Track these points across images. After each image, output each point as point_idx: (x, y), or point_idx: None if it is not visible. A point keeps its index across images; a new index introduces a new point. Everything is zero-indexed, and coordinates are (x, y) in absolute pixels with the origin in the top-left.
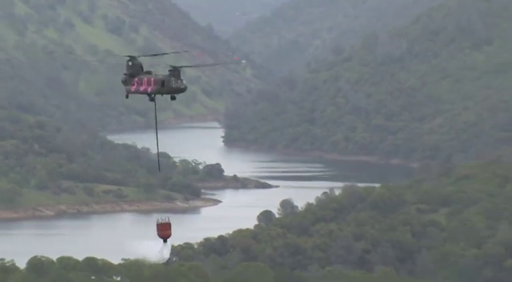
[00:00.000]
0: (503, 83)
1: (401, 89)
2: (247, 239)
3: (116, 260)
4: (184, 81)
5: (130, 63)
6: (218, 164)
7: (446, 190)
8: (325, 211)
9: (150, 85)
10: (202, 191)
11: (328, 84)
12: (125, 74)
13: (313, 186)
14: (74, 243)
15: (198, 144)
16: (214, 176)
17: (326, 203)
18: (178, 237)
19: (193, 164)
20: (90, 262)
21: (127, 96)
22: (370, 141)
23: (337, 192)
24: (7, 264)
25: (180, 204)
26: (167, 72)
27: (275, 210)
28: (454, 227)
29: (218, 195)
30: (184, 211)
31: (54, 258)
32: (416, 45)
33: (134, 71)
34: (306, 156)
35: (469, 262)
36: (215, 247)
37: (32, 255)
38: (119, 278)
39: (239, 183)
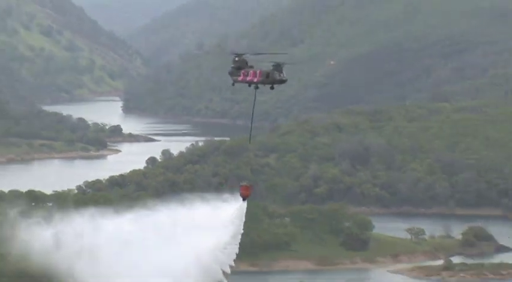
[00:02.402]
0: (312, 68)
1: None
2: (139, 176)
3: (48, 192)
4: (285, 74)
5: (236, 58)
6: (119, 125)
7: (274, 141)
8: (192, 156)
9: (256, 76)
10: (108, 143)
11: (193, 70)
12: (232, 67)
13: (184, 140)
14: (20, 179)
15: (105, 112)
16: (116, 133)
17: (193, 151)
18: (92, 175)
19: (101, 125)
20: (31, 193)
21: (233, 84)
22: (223, 108)
23: (200, 143)
24: None
25: (93, 153)
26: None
27: (158, 157)
28: (280, 166)
29: (119, 146)
30: (95, 158)
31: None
32: (255, 45)
33: (240, 64)
34: (179, 119)
35: (290, 190)
36: (117, 182)
37: None
38: (50, 204)
39: (133, 138)
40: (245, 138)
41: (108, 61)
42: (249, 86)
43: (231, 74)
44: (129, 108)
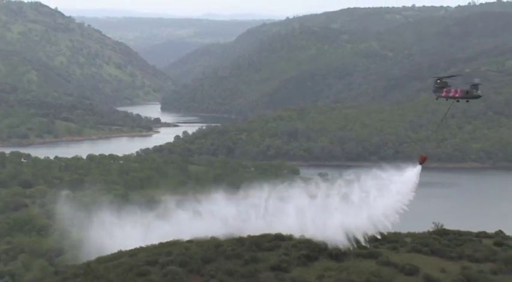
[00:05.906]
0: (266, 85)
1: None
2: (170, 145)
3: (120, 154)
4: (480, 91)
5: (438, 81)
6: (159, 117)
7: (245, 126)
8: (199, 134)
9: (457, 93)
10: (153, 128)
11: (200, 87)
12: (436, 87)
13: (195, 125)
14: (107, 148)
15: (151, 110)
16: (157, 122)
17: (200, 131)
18: (144, 145)
19: (149, 117)
20: (112, 155)
21: (437, 99)
22: (216, 108)
23: (204, 127)
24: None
25: (144, 133)
26: (467, 87)
27: (180, 135)
28: (248, 140)
29: (159, 130)
30: (146, 136)
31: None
32: (234, 72)
33: (442, 85)
34: (192, 114)
35: (254, 153)
36: (158, 149)
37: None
38: (121, 162)
39: (166, 125)
40: (230, 125)
41: (152, 82)
42: (446, 100)
43: (435, 91)
44: (164, 109)
